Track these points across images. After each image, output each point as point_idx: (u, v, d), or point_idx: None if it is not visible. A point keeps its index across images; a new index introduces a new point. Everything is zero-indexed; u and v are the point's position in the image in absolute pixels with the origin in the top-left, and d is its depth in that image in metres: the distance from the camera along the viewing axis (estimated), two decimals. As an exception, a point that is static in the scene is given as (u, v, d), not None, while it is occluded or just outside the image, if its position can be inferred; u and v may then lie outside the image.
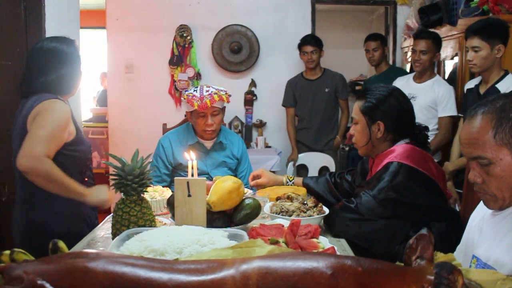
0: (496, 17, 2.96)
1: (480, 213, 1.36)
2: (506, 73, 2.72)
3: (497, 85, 2.69)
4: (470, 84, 2.97)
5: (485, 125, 1.18)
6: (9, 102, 2.45)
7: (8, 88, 2.53)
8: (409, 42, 4.11)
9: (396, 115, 1.92)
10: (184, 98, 2.54)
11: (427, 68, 3.35)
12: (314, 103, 4.27)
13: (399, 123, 1.93)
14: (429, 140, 3.15)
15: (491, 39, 2.66)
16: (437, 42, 3.34)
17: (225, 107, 2.60)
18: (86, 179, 2.15)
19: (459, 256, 1.43)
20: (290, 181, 2.38)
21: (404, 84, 3.44)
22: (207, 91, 2.47)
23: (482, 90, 2.79)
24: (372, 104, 1.92)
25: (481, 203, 1.34)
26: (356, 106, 1.99)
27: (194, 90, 2.51)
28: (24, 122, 1.95)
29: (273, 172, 4.47)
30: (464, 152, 1.26)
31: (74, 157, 2.04)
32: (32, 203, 2.03)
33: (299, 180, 2.38)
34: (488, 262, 1.22)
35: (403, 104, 1.96)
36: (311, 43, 4.17)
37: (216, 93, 2.47)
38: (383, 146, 1.95)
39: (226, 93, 2.53)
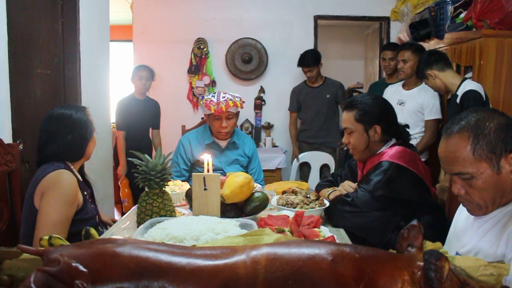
0: (479, 31, 2.93)
1: (465, 214, 1.31)
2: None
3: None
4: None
5: (463, 143, 1.12)
6: (48, 105, 2.47)
7: (48, 93, 2.55)
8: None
9: (387, 116, 1.91)
10: (203, 103, 2.53)
11: (411, 75, 3.31)
12: (316, 107, 4.25)
13: (390, 123, 1.92)
14: (416, 141, 3.15)
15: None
16: (417, 52, 3.28)
17: (239, 112, 2.58)
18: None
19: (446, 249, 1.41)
20: None
21: (395, 91, 3.42)
22: (224, 97, 2.46)
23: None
24: (365, 111, 1.88)
25: None
26: (348, 117, 1.91)
27: (212, 96, 2.50)
28: (31, 195, 1.70)
29: (279, 168, 4.48)
30: (445, 168, 1.20)
31: (82, 221, 1.76)
32: None
33: None
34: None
35: (388, 106, 1.96)
36: (307, 64, 4.12)
37: (231, 99, 2.46)
38: (377, 148, 1.92)
39: (240, 100, 2.51)
